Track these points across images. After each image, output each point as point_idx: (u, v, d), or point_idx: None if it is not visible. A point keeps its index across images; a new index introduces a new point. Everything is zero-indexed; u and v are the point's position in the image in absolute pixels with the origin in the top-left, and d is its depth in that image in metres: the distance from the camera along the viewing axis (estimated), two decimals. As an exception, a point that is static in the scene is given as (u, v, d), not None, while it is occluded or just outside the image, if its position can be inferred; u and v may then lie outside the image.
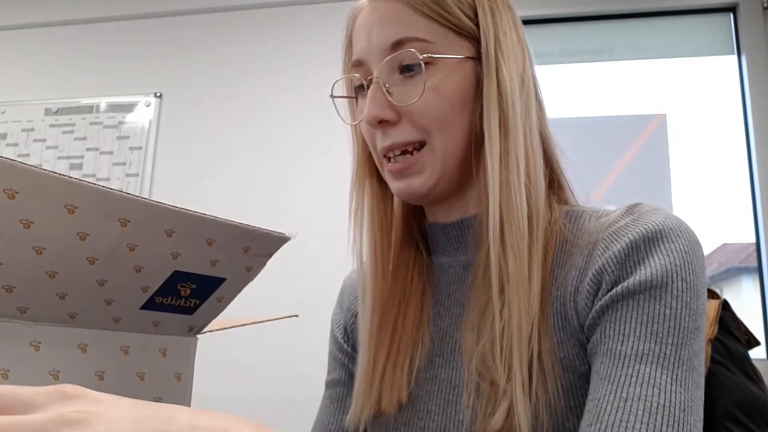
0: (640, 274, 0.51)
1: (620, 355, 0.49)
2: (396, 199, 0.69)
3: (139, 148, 2.22)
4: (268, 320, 0.81)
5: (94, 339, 0.47)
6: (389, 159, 0.62)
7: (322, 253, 1.97)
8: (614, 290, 0.52)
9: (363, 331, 0.66)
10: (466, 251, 0.64)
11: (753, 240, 1.86)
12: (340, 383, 0.74)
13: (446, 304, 0.64)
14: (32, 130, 2.31)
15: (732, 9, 2.01)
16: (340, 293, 0.82)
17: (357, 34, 0.63)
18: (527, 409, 0.52)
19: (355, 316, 0.75)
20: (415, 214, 0.70)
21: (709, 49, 2.01)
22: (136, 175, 2.19)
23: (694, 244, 0.54)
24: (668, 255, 0.52)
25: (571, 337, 0.55)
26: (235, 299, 0.56)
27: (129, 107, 2.27)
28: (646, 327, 0.50)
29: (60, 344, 0.45)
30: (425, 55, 0.58)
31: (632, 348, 0.49)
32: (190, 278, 0.50)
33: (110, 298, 0.47)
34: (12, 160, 0.37)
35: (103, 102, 2.29)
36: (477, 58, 0.60)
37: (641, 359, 0.48)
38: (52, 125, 2.30)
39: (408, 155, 0.60)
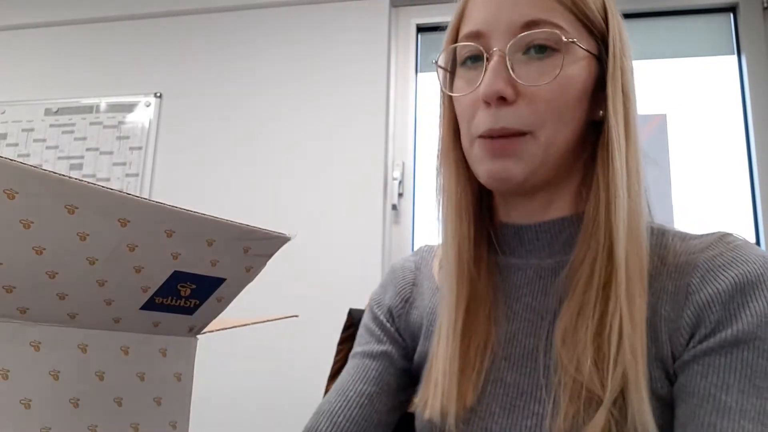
0: (745, 322, 0.51)
1: (725, 406, 0.49)
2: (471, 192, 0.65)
3: (139, 148, 2.22)
4: (268, 320, 0.82)
5: (94, 339, 0.47)
6: (487, 138, 0.58)
7: (322, 253, 1.97)
8: (719, 336, 0.51)
9: (445, 325, 0.62)
10: (539, 254, 0.62)
11: (753, 240, 1.86)
12: (371, 356, 0.72)
13: (514, 308, 0.62)
14: (32, 130, 2.31)
15: (732, 9, 2.01)
16: (391, 275, 0.77)
17: (477, 4, 0.59)
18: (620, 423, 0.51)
19: (406, 302, 0.73)
20: (482, 212, 0.66)
21: (709, 49, 2.01)
22: (136, 175, 2.19)
23: None
24: None
25: (657, 359, 0.54)
26: (235, 299, 0.56)
27: (129, 107, 2.27)
28: (750, 381, 0.49)
29: (60, 344, 0.45)
30: (569, 40, 0.55)
31: (737, 402, 0.49)
32: (190, 278, 0.50)
33: (110, 299, 0.47)
34: (12, 160, 0.37)
35: (103, 102, 2.29)
36: (598, 57, 0.59)
37: (746, 416, 0.48)
38: (52, 125, 2.30)
39: (509, 138, 0.57)
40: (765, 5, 1.97)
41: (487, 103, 0.56)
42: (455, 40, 0.62)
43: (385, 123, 2.05)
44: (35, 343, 0.44)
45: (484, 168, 0.58)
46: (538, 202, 0.62)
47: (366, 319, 0.77)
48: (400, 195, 2.02)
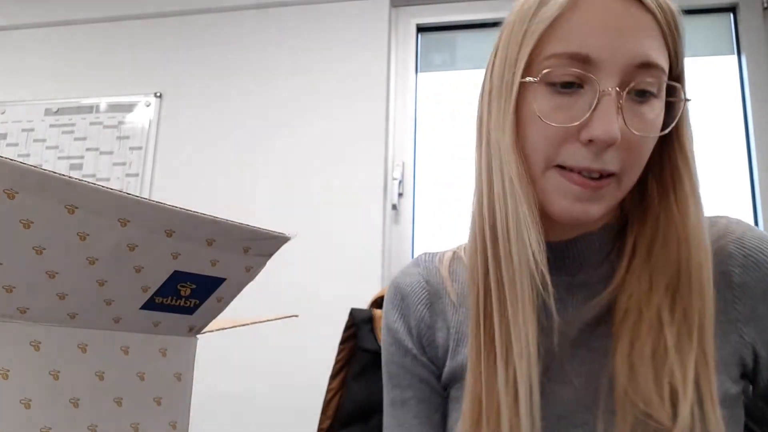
0: None
1: None
2: None
3: (139, 148, 2.22)
4: (268, 320, 0.81)
5: (94, 339, 0.47)
6: (576, 173, 0.54)
7: (322, 253, 1.97)
8: None
9: (480, 347, 0.58)
10: (570, 270, 0.60)
11: (753, 240, 1.86)
12: (424, 401, 0.67)
13: (546, 323, 0.58)
14: (32, 130, 2.31)
15: (732, 9, 2.01)
16: (401, 299, 0.71)
17: (586, 20, 0.52)
18: None
19: (429, 327, 0.68)
20: None
21: (709, 49, 2.01)
22: (136, 175, 2.19)
23: None
24: None
25: (725, 363, 0.55)
26: (235, 299, 0.55)
27: (129, 107, 2.27)
28: None
29: (60, 344, 0.45)
30: (663, 78, 0.53)
31: None
32: (190, 278, 0.50)
33: (110, 298, 0.47)
34: (12, 160, 0.37)
35: (103, 102, 2.29)
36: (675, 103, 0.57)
37: None
38: (52, 125, 2.30)
39: (600, 180, 0.54)
40: (765, 5, 1.97)
41: (592, 143, 0.52)
42: (538, 49, 0.54)
43: (385, 123, 2.05)
44: (35, 343, 0.44)
45: (561, 205, 0.54)
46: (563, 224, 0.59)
47: (396, 355, 0.70)
48: (400, 195, 2.02)
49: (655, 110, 0.53)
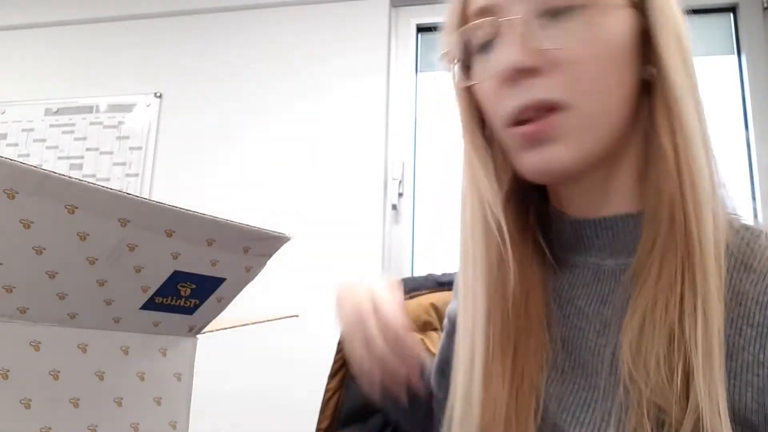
0: None
1: None
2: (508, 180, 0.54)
3: (139, 148, 2.22)
4: (268, 320, 0.81)
5: (94, 339, 0.47)
6: (519, 123, 0.48)
7: (322, 253, 1.97)
8: None
9: (475, 343, 0.52)
10: (600, 254, 0.52)
11: (753, 240, 1.86)
12: None
13: (566, 311, 0.53)
14: (32, 130, 2.31)
15: (732, 9, 2.01)
16: None
17: None
18: None
19: None
20: (530, 196, 0.56)
21: (709, 49, 2.01)
22: (136, 175, 2.19)
23: None
24: None
25: (749, 389, 0.43)
26: (235, 299, 0.56)
27: (129, 107, 2.27)
28: None
29: (60, 344, 0.45)
30: None
31: None
32: (190, 278, 0.50)
33: (110, 298, 0.47)
34: (12, 160, 0.37)
35: (103, 102, 2.29)
36: (640, 7, 0.48)
37: None
38: (52, 125, 2.30)
39: (544, 118, 0.47)
40: (765, 5, 1.97)
41: (511, 81, 0.47)
42: (464, 23, 0.51)
43: (385, 123, 2.05)
44: (35, 343, 0.44)
45: (523, 162, 0.49)
46: (595, 189, 0.51)
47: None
48: (400, 195, 2.02)
49: (585, 19, 0.46)
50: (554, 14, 0.46)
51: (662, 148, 0.47)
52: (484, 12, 0.49)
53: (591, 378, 0.49)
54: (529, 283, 0.53)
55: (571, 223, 0.53)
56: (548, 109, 0.47)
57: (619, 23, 0.47)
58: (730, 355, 0.43)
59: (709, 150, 0.47)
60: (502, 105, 0.49)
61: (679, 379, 0.42)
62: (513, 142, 0.49)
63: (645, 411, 0.43)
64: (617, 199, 0.51)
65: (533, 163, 0.48)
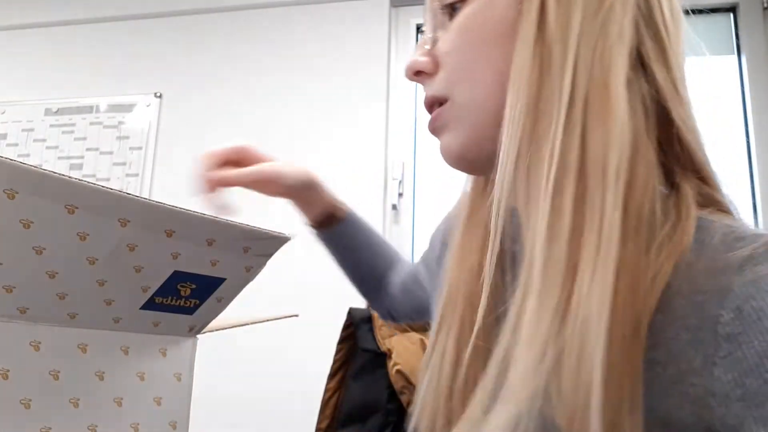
0: None
1: None
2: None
3: (139, 148, 2.22)
4: (268, 320, 0.81)
5: (94, 339, 0.47)
6: None
7: (322, 253, 1.97)
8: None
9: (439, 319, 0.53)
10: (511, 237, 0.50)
11: (753, 240, 1.86)
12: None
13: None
14: (32, 130, 2.31)
15: (732, 9, 2.01)
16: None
17: None
18: None
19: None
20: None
21: (709, 49, 2.01)
22: (136, 175, 2.19)
23: None
24: None
25: (686, 400, 0.37)
26: (235, 299, 0.56)
27: (129, 107, 2.27)
28: None
29: (60, 344, 0.45)
30: None
31: None
32: (190, 278, 0.50)
33: (110, 298, 0.47)
34: (12, 160, 0.37)
35: (103, 102, 2.29)
36: None
37: None
38: (52, 125, 2.30)
39: (434, 113, 0.51)
40: (765, 5, 1.97)
41: (417, 81, 0.53)
42: None
43: (385, 123, 2.05)
44: (35, 343, 0.44)
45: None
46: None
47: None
48: (400, 195, 2.02)
49: (460, 16, 0.48)
50: (446, 17, 0.49)
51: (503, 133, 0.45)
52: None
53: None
54: (479, 275, 0.51)
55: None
56: (440, 103, 0.50)
57: (489, 14, 0.46)
58: (666, 362, 0.38)
59: (593, 136, 0.41)
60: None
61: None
62: None
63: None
64: None
65: (440, 150, 0.51)
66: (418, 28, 2.19)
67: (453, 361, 0.49)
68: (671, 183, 0.45)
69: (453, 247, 0.54)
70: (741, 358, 0.35)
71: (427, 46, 0.51)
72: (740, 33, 1.98)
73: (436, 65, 0.50)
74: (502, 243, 0.46)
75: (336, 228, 0.88)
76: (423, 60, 0.51)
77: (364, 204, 1.96)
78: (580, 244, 0.39)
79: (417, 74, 0.52)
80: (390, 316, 0.86)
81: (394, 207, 2.01)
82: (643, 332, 0.38)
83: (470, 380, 0.47)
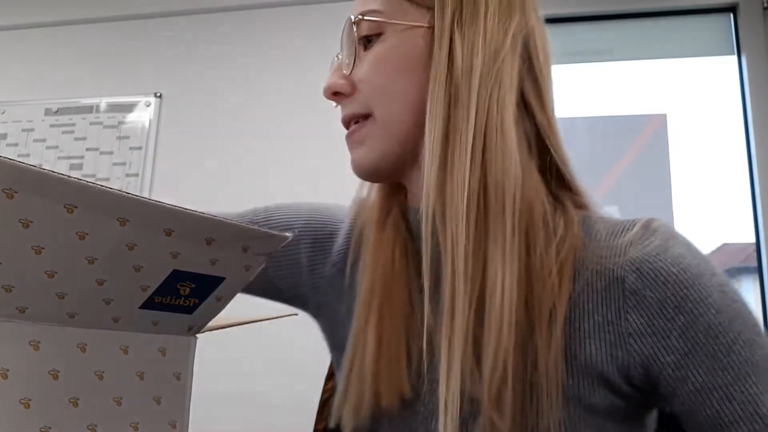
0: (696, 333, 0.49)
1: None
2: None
3: (139, 148, 2.22)
4: (268, 319, 0.82)
5: (93, 339, 0.47)
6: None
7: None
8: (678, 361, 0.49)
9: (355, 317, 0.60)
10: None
11: (753, 240, 1.86)
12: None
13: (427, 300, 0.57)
14: (32, 130, 2.31)
15: (732, 9, 2.01)
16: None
17: None
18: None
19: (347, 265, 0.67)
20: (395, 193, 0.64)
21: (709, 49, 2.01)
22: (136, 175, 2.19)
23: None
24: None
25: (590, 376, 0.51)
26: (234, 298, 0.55)
27: (129, 107, 2.27)
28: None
29: (59, 344, 0.45)
30: (367, 19, 0.57)
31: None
32: (189, 277, 0.50)
33: (109, 298, 0.47)
34: (11, 159, 0.37)
35: (103, 102, 2.29)
36: (432, 27, 0.55)
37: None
38: (52, 125, 2.30)
39: (354, 126, 0.60)
40: (765, 5, 1.97)
41: (335, 101, 0.60)
42: None
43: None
44: (34, 343, 0.44)
45: (351, 162, 0.61)
46: (415, 187, 0.60)
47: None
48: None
49: (377, 48, 0.57)
50: (363, 46, 0.58)
51: (424, 150, 0.54)
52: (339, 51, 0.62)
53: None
54: (393, 274, 0.59)
55: (413, 211, 0.60)
56: (362, 118, 0.58)
57: (404, 43, 0.56)
58: (582, 319, 0.51)
59: (493, 152, 0.51)
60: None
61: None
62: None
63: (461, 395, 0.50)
64: (417, 197, 0.58)
65: (352, 162, 0.62)
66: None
67: (375, 346, 0.56)
68: (553, 196, 0.55)
69: (369, 246, 0.61)
70: (647, 306, 0.49)
71: (346, 71, 0.58)
72: (740, 33, 1.98)
73: (353, 88, 0.58)
74: (416, 241, 0.59)
75: None
76: (341, 82, 0.58)
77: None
78: (487, 253, 0.50)
79: (335, 94, 0.59)
80: None
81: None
82: (561, 308, 0.50)
83: (393, 362, 0.55)
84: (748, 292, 1.88)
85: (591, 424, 0.51)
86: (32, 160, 2.25)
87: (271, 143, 2.13)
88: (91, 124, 2.28)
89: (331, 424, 0.60)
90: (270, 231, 0.50)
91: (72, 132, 2.28)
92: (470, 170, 0.50)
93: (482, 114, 0.52)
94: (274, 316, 0.80)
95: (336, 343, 0.68)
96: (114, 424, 0.48)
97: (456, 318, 0.49)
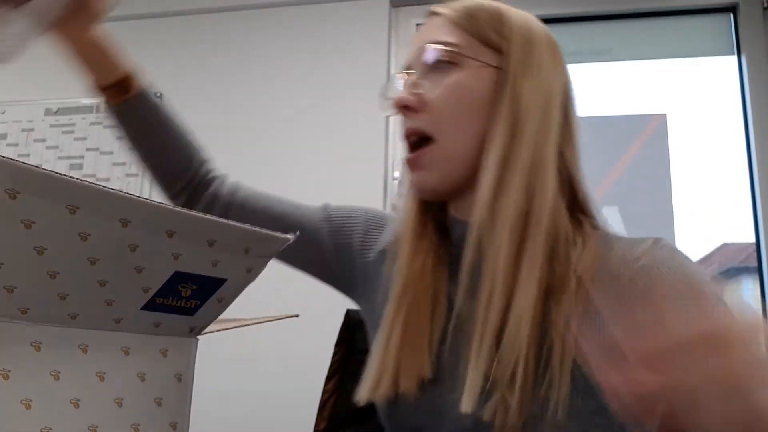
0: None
1: None
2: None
3: (139, 148, 2.22)
4: (268, 320, 0.82)
5: (95, 339, 0.47)
6: (410, 149, 0.67)
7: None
8: None
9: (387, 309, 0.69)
10: (467, 248, 0.67)
11: (753, 240, 1.86)
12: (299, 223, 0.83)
13: (462, 296, 0.66)
14: (32, 130, 2.31)
15: (732, 9, 2.01)
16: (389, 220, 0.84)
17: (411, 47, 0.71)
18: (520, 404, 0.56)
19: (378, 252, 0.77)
20: (431, 205, 0.73)
21: (709, 49, 2.01)
22: (136, 175, 2.19)
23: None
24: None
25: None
26: (235, 300, 0.56)
27: (129, 107, 2.27)
28: None
29: (61, 345, 0.45)
30: (447, 49, 0.65)
31: None
32: (191, 279, 0.50)
33: (111, 299, 0.47)
34: (13, 160, 0.37)
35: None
36: (501, 68, 0.65)
37: None
38: (52, 125, 2.30)
39: (419, 150, 0.66)
40: (765, 5, 1.97)
41: (400, 112, 0.66)
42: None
43: (386, 123, 2.05)
44: (36, 344, 0.44)
45: (409, 179, 0.69)
46: (462, 202, 0.68)
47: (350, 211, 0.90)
48: (401, 195, 2.02)
49: (453, 77, 0.64)
50: (434, 70, 0.66)
51: (484, 173, 0.63)
52: (407, 67, 0.70)
53: (465, 335, 0.63)
54: (427, 276, 0.69)
55: (457, 222, 0.69)
56: (422, 138, 0.65)
57: (478, 80, 0.65)
58: (595, 315, 0.58)
59: (538, 179, 0.62)
60: (401, 129, 0.68)
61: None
62: (405, 166, 0.68)
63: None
64: (469, 212, 0.66)
65: (412, 182, 0.68)
66: (418, 28, 2.19)
67: (400, 336, 0.65)
68: (574, 219, 0.66)
69: (404, 250, 0.70)
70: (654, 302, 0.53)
71: (417, 90, 0.66)
72: (740, 33, 1.98)
73: (422, 105, 0.65)
74: (452, 248, 0.69)
75: (132, 98, 0.85)
76: (412, 98, 0.65)
77: (364, 204, 1.97)
78: (521, 262, 0.60)
79: (404, 107, 0.66)
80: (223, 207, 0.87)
81: (394, 207, 2.01)
82: (577, 307, 0.59)
83: (417, 350, 0.64)
84: (748, 292, 1.88)
85: (593, 404, 0.57)
86: (32, 160, 2.25)
87: (271, 143, 2.13)
88: (91, 124, 2.28)
89: (358, 400, 0.68)
90: (271, 233, 0.50)
91: (72, 132, 2.28)
92: (519, 196, 0.61)
93: (534, 150, 0.62)
94: (275, 317, 0.80)
95: (372, 325, 0.76)
96: (115, 425, 0.48)
97: (491, 311, 0.59)
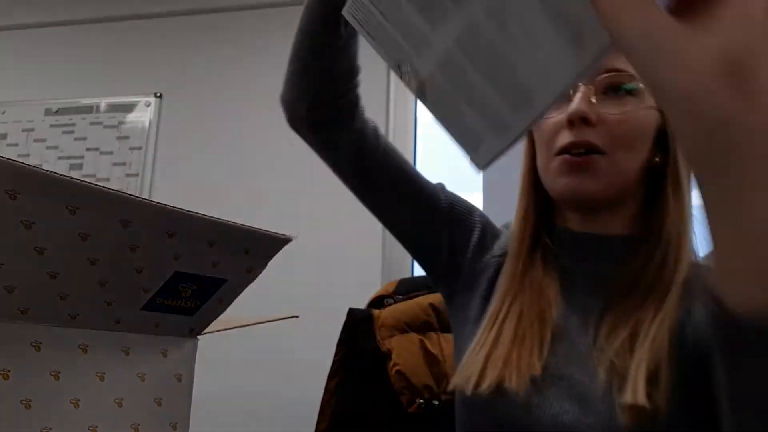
0: None
1: None
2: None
3: (139, 148, 2.22)
4: (268, 320, 0.81)
5: (95, 340, 0.47)
6: (567, 153, 0.67)
7: (322, 254, 1.97)
8: None
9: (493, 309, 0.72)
10: (593, 260, 0.71)
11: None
12: (422, 192, 0.82)
13: (569, 306, 0.70)
14: (32, 130, 2.31)
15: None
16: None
17: None
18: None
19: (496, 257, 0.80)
20: (539, 217, 0.76)
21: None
22: (136, 175, 2.19)
23: None
24: None
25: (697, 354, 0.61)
26: (235, 300, 0.56)
27: (129, 107, 2.27)
28: None
29: (61, 345, 0.45)
30: (642, 87, 0.67)
31: None
32: (191, 279, 0.50)
33: (111, 299, 0.47)
34: (14, 160, 0.38)
35: (103, 102, 2.29)
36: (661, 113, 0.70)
37: None
38: (52, 125, 2.30)
39: (588, 156, 0.67)
40: (765, 6, 1.97)
41: (571, 124, 0.66)
42: None
43: (386, 123, 2.05)
44: (36, 344, 0.44)
45: (562, 182, 0.68)
46: (601, 218, 0.71)
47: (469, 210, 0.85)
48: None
49: (632, 104, 0.67)
50: (614, 91, 0.68)
51: (666, 205, 0.69)
52: (588, 81, 0.70)
53: (575, 348, 0.67)
54: (538, 283, 0.72)
55: (571, 235, 0.72)
56: (591, 150, 0.66)
57: (649, 116, 0.69)
58: (689, 330, 0.62)
59: (689, 214, 0.69)
60: (559, 138, 0.67)
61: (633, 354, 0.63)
62: (559, 165, 0.67)
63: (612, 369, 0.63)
64: (613, 228, 0.72)
65: (569, 183, 0.67)
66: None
67: (510, 340, 0.68)
68: None
69: (514, 251, 0.74)
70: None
71: (596, 107, 0.68)
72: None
73: (597, 120, 0.67)
74: (561, 258, 0.73)
75: None
76: (590, 112, 0.66)
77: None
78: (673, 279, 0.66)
79: (581, 119, 0.66)
80: (357, 150, 0.87)
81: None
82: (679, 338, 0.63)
83: (526, 351, 0.67)
84: None
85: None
86: (32, 160, 2.25)
87: (271, 143, 2.13)
88: (91, 124, 2.28)
89: (450, 388, 0.72)
90: (272, 233, 0.51)
91: (72, 132, 2.28)
92: (671, 220, 0.68)
93: (687, 182, 0.70)
94: (275, 317, 0.80)
95: (462, 320, 0.79)
96: (115, 425, 0.48)
97: (647, 315, 0.64)
